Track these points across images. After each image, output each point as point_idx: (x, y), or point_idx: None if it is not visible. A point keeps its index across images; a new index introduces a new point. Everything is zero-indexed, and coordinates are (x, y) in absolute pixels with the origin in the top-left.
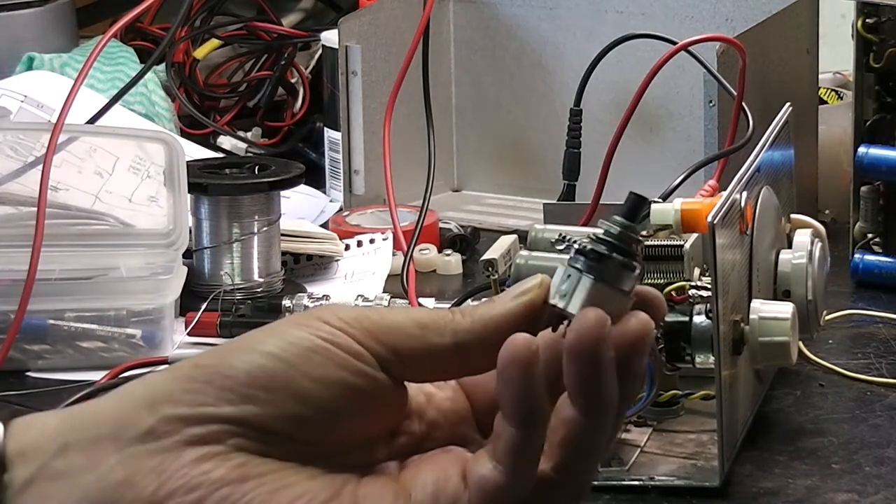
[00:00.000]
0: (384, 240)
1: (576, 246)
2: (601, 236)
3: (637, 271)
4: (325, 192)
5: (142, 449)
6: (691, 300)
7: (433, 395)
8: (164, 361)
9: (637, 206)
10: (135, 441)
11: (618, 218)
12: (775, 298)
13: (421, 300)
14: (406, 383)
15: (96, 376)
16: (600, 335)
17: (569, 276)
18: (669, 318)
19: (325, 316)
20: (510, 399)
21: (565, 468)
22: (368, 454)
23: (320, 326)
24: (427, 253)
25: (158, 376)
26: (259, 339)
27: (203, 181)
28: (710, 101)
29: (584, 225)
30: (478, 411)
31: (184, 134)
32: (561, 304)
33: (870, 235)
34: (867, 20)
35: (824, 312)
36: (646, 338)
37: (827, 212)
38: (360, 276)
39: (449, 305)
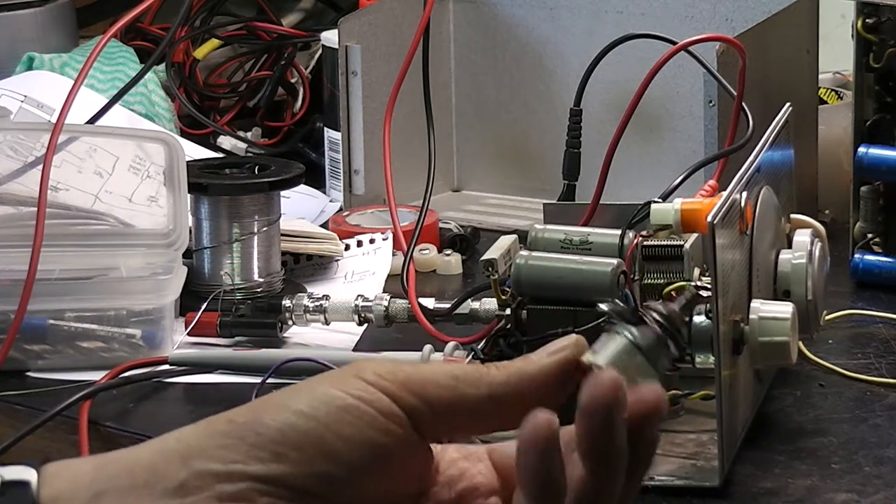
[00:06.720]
0: (384, 240)
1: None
2: (651, 311)
3: (671, 351)
4: (325, 192)
5: (173, 503)
6: None
7: (466, 470)
8: (164, 361)
9: (692, 302)
10: (167, 494)
11: (672, 305)
12: (775, 298)
13: (421, 300)
14: (439, 456)
15: (96, 376)
16: (613, 395)
17: (608, 339)
18: None
19: (360, 372)
20: (527, 476)
21: None
22: None
23: (354, 384)
24: (427, 253)
25: (193, 430)
26: (291, 396)
27: (203, 181)
28: (710, 101)
29: (585, 225)
30: (508, 490)
31: (184, 134)
32: (588, 359)
33: (870, 235)
34: (867, 20)
35: (824, 312)
36: (661, 405)
37: (827, 212)
38: (360, 276)
39: (448, 305)
